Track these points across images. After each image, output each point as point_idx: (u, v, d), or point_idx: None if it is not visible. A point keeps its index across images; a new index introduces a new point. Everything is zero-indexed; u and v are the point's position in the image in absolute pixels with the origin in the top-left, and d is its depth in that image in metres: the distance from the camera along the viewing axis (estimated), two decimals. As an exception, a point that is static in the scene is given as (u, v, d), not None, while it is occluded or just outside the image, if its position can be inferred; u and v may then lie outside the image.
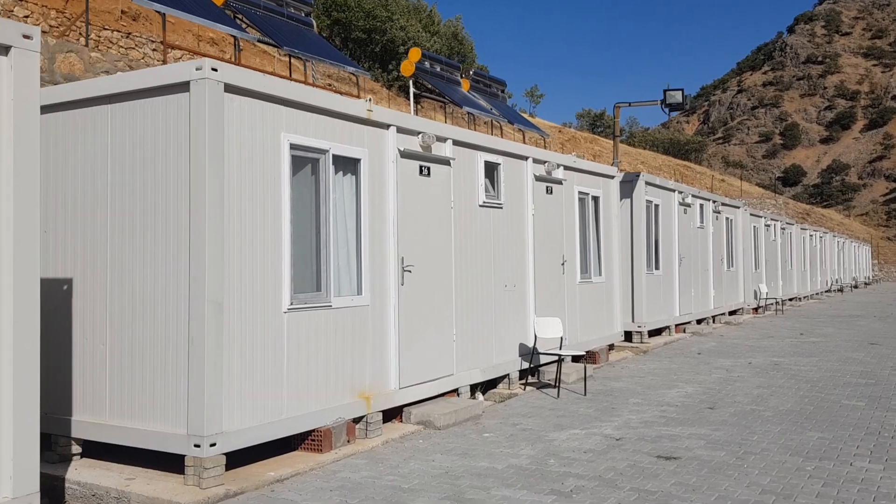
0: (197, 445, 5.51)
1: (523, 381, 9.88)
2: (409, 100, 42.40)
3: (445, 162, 8.48)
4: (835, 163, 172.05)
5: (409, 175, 7.88)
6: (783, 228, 27.44)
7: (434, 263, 8.21)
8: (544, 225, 10.68)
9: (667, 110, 13.61)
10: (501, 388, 9.62)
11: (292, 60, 21.55)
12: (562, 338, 9.99)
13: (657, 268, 15.29)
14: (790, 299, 28.74)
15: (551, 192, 10.90)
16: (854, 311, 24.48)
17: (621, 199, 14.38)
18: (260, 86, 6.08)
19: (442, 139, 8.45)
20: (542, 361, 10.36)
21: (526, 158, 10.28)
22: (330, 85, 41.32)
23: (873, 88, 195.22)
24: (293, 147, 6.43)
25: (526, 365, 9.90)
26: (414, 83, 25.08)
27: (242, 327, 5.88)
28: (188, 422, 5.59)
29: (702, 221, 18.12)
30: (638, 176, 14.40)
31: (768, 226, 24.94)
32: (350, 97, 7.78)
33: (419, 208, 8.01)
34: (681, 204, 16.58)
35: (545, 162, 10.74)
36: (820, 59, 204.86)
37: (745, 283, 22.29)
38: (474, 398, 9.03)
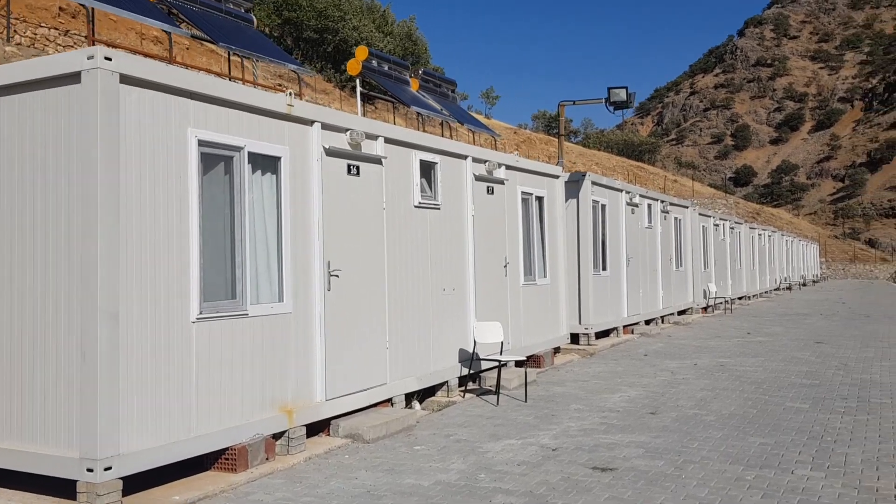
0: (90, 470, 5.03)
1: (463, 389, 9.52)
2: (360, 99, 41.86)
3: (377, 161, 8.09)
4: (784, 163, 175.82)
5: (336, 174, 7.47)
6: (732, 228, 27.60)
7: (364, 267, 7.81)
8: (485, 226, 10.35)
9: (611, 108, 13.40)
10: (440, 396, 9.25)
11: (243, 61, 20.98)
12: (502, 342, 9.66)
13: (604, 268, 15.09)
14: (739, 298, 28.93)
15: (492, 193, 10.58)
16: (801, 310, 24.69)
17: (567, 200, 14.14)
18: (162, 77, 5.61)
19: (372, 137, 8.05)
20: (483, 367, 10.02)
21: (465, 157, 9.93)
22: (280, 85, 40.63)
23: (820, 91, 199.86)
24: (202, 143, 5.98)
25: (466, 371, 9.55)
26: (363, 83, 24.64)
27: (142, 339, 5.41)
28: (80, 444, 5.10)
29: (650, 221, 18.00)
30: (584, 175, 14.17)
31: (717, 225, 25.03)
32: (277, 92, 7.36)
33: (348, 209, 7.61)
34: (628, 204, 16.42)
35: (486, 161, 10.41)
36: (769, 61, 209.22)
37: (694, 282, 22.29)
38: (410, 407, 8.65)
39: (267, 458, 6.35)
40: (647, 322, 17.89)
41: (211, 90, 6.05)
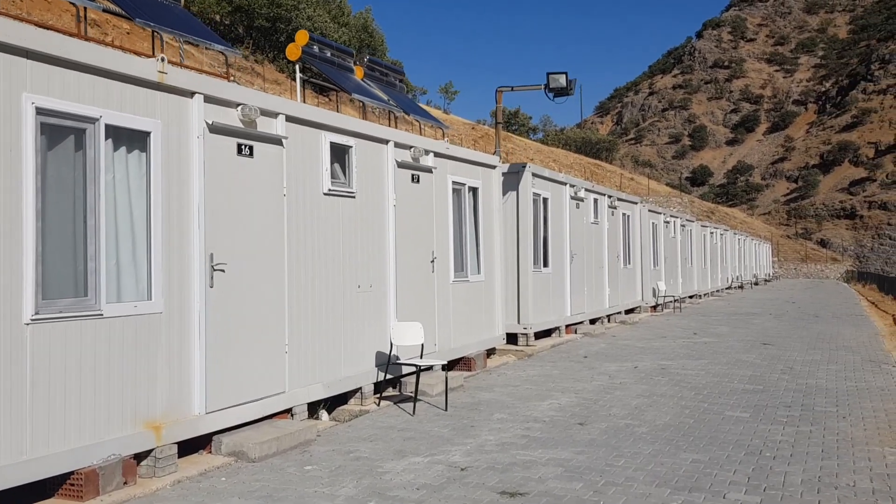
0: None
1: (379, 395, 8.69)
2: (314, 90, 40.80)
3: (276, 141, 7.21)
4: (739, 164, 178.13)
5: (223, 155, 6.58)
6: (683, 225, 27.20)
7: (258, 261, 6.93)
8: (410, 218, 9.53)
9: (551, 95, 12.68)
10: (353, 404, 8.42)
11: (182, 46, 19.81)
12: (423, 345, 8.85)
13: (546, 265, 14.38)
14: (690, 297, 28.58)
15: (418, 181, 9.76)
16: (751, 309, 24.35)
17: (506, 192, 13.40)
18: (-15, 30, 4.68)
19: (270, 114, 7.17)
20: (403, 372, 9.21)
21: (386, 142, 9.10)
22: (227, 73, 39.27)
23: (775, 93, 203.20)
24: (42, 112, 5.05)
25: (383, 376, 8.72)
26: (303, 69, 23.59)
27: (-49, 345, 4.48)
28: None
29: (596, 217, 17.36)
30: (524, 167, 13.43)
31: (668, 223, 24.57)
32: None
33: (238, 195, 6.72)
34: (573, 198, 15.74)
35: (410, 147, 9.59)
36: (726, 63, 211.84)
37: (643, 280, 21.77)
38: (316, 418, 7.80)
39: (125, 483, 5.45)
40: (593, 321, 17.26)
41: (57, 50, 5.13)
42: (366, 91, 24.43)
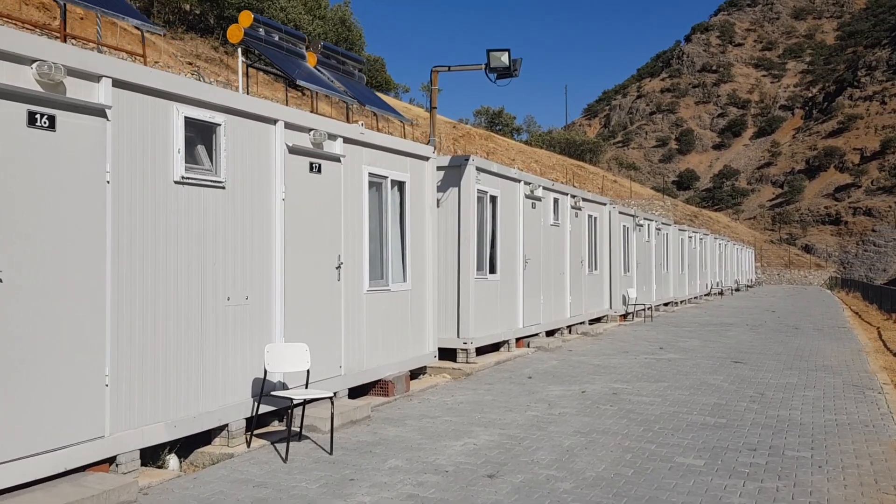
0: None
1: (249, 434, 7.06)
2: (273, 78, 38.90)
3: (96, 112, 5.60)
4: (726, 168, 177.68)
5: (5, 129, 4.97)
6: (658, 229, 25.73)
7: (60, 268, 5.32)
8: (307, 215, 7.94)
9: (493, 77, 11.13)
10: (218, 445, 6.81)
11: (99, 20, 18.18)
12: (308, 371, 7.24)
13: (493, 271, 12.81)
14: (665, 304, 27.12)
15: (319, 171, 8.16)
16: (727, 319, 22.89)
17: (446, 189, 11.83)
18: None
19: (88, 76, 5.56)
20: (280, 405, 7.59)
21: (274, 122, 7.50)
22: (192, 64, 37.60)
23: (763, 98, 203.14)
24: None
25: (256, 410, 7.10)
26: (249, 54, 21.97)
27: None
28: None
29: (557, 218, 15.82)
30: (467, 160, 11.86)
31: (640, 225, 23.07)
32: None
33: (28, 181, 5.11)
34: (528, 197, 14.18)
35: (310, 129, 7.99)
36: (714, 67, 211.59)
37: (612, 287, 20.26)
38: (160, 466, 6.19)
39: None
40: (551, 333, 15.72)
41: None
42: (316, 79, 22.57)
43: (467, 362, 11.71)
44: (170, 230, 6.25)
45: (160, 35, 24.32)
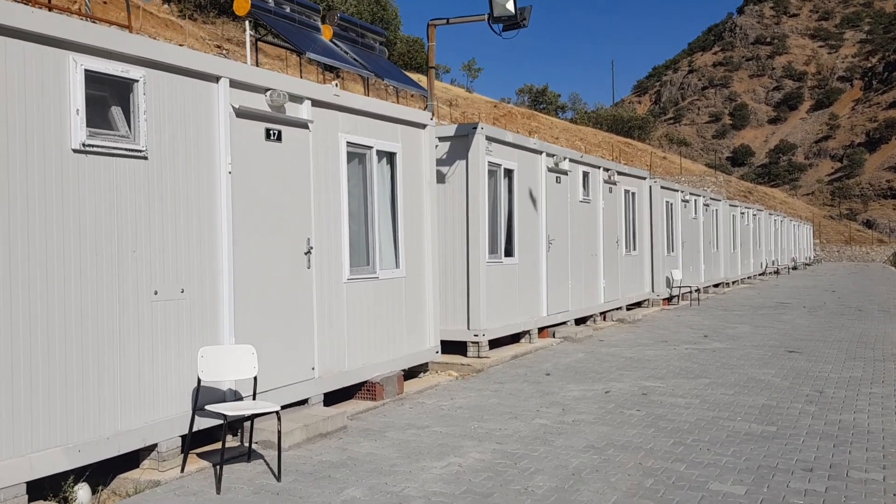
0: None
1: (186, 454, 5.85)
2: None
3: (-54, 62, 4.41)
4: (782, 143, 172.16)
5: None
6: (706, 205, 23.93)
7: None
8: (262, 192, 6.71)
9: (498, 29, 9.71)
10: (147, 469, 5.64)
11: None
12: (255, 378, 6.01)
13: (509, 254, 11.44)
14: (716, 286, 25.34)
15: (279, 139, 6.91)
16: (783, 300, 21.08)
17: (452, 162, 10.50)
18: None
19: (-68, 16, 4.37)
20: (214, 421, 6.39)
21: (216, 79, 6.27)
22: (220, 47, 36.80)
23: (819, 69, 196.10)
24: None
25: (190, 428, 5.89)
26: (258, 27, 20.83)
27: None
28: None
29: (587, 194, 14.33)
30: (474, 128, 10.49)
31: (686, 201, 21.36)
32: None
33: None
34: (551, 170, 12.74)
35: (267, 90, 6.74)
36: (768, 39, 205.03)
37: (654, 269, 18.68)
38: (63, 499, 5.04)
39: None
40: (582, 321, 14.29)
41: None
42: (331, 52, 21.26)
43: (479, 357, 10.40)
44: (68, 210, 5.06)
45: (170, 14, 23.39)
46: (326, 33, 22.27)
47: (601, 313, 15.08)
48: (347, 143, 7.81)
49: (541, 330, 12.49)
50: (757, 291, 25.18)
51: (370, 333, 8.08)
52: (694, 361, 10.57)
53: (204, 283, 6.09)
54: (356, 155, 8.04)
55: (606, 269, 15.19)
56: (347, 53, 20.99)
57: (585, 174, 14.27)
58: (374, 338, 8.15)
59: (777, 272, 36.94)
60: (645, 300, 18.15)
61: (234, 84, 6.40)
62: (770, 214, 37.67)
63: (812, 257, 57.60)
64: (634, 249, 17.23)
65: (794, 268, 44.41)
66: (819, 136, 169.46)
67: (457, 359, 10.28)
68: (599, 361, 10.62)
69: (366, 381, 7.97)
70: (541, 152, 12.43)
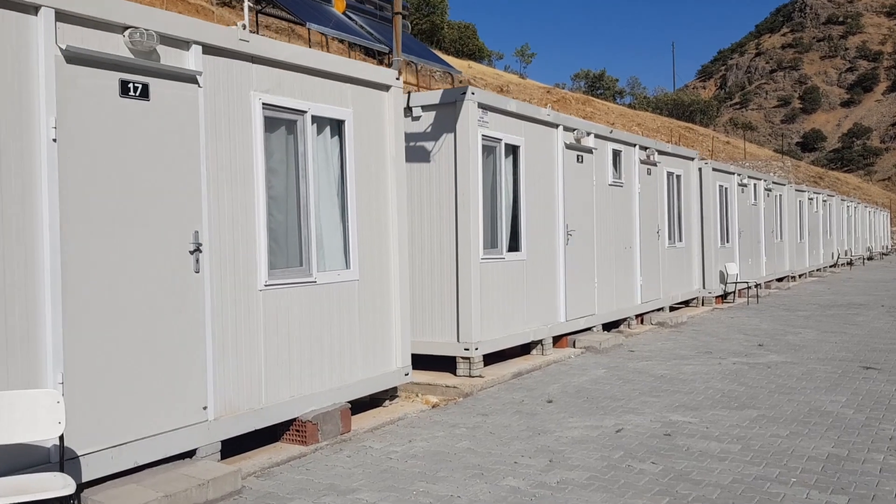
0: None
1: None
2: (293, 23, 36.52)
3: None
4: (856, 126, 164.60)
5: None
6: (769, 189, 21.35)
7: None
8: (118, 167, 4.89)
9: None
10: None
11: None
12: (62, 438, 4.18)
13: (514, 248, 9.43)
14: (779, 279, 22.74)
15: (143, 96, 5.06)
16: (857, 297, 18.46)
17: (439, 135, 8.55)
18: None
19: None
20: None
21: (34, 9, 4.45)
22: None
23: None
24: None
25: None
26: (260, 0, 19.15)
27: None
28: None
29: (618, 175, 12.18)
30: (463, 93, 8.50)
31: (744, 185, 18.89)
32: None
33: None
34: (571, 147, 10.65)
35: (126, 28, 4.90)
36: (841, 19, 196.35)
37: (704, 262, 16.37)
38: None
39: None
40: (612, 325, 12.18)
41: None
42: (343, 25, 19.30)
43: (470, 376, 8.43)
44: None
45: None
46: (339, 5, 20.14)
47: (637, 316, 12.92)
48: (265, 105, 5.93)
49: (558, 338, 10.45)
50: (827, 286, 22.48)
51: (303, 356, 6.21)
52: (741, 382, 8.40)
53: (9, 299, 4.30)
54: (281, 122, 6.16)
55: (644, 264, 13.01)
56: (362, 27, 18.79)
57: (616, 153, 12.11)
58: (310, 361, 6.28)
59: (850, 263, 33.81)
60: (693, 299, 15.86)
61: (65, 17, 4.58)
62: (842, 200, 34.52)
63: (889, 246, 53.58)
64: (680, 240, 14.97)
65: (870, 258, 40.98)
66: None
67: (444, 378, 8.35)
68: (622, 381, 8.53)
69: (295, 419, 6.11)
70: (556, 125, 10.36)
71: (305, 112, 6.31)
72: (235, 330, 5.64)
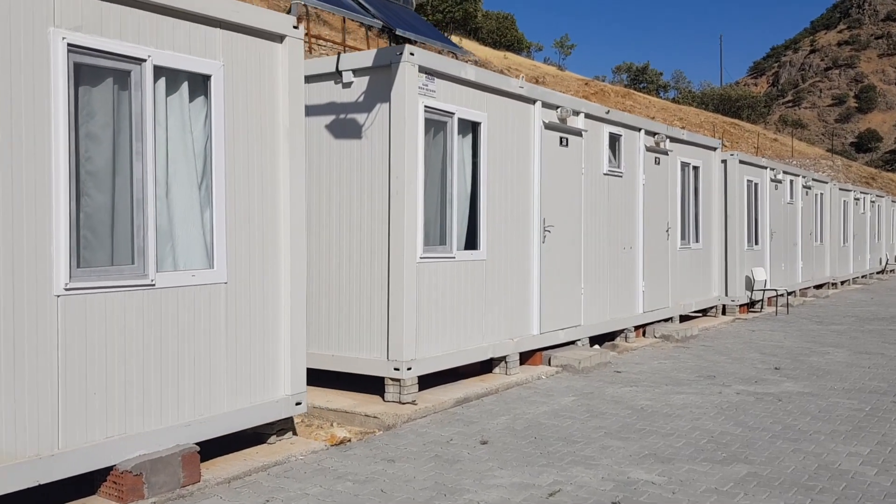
0: None
1: None
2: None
3: None
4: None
5: None
6: (808, 187, 19.31)
7: None
8: None
9: None
10: None
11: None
12: None
13: (471, 246, 7.83)
14: (818, 286, 20.68)
15: None
16: (904, 309, 16.40)
17: (371, 105, 7.02)
18: None
19: None
20: None
21: None
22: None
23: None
24: None
25: None
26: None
27: None
28: None
29: (616, 164, 10.47)
30: (400, 53, 6.92)
31: (777, 181, 16.92)
32: None
33: None
34: (551, 128, 8.98)
35: None
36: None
37: (730, 266, 14.54)
38: None
39: None
40: (607, 338, 10.49)
41: None
42: (341, 1, 17.58)
43: (400, 401, 6.85)
44: None
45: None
46: (335, -23, 18.29)
47: (638, 327, 11.20)
48: (73, 47, 4.43)
49: (531, 354, 8.81)
50: (870, 295, 20.34)
51: (130, 382, 4.71)
52: (739, 421, 6.68)
53: None
54: (105, 72, 4.65)
55: (648, 267, 11.27)
56: (364, 4, 17.01)
57: (615, 137, 10.40)
58: (143, 389, 4.78)
59: (901, 270, 31.30)
60: (712, 307, 14.04)
61: None
62: (893, 202, 32.00)
63: (946, 252, 50.31)
64: (697, 241, 13.16)
65: (923, 264, 38.19)
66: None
67: (369, 403, 6.81)
68: (589, 415, 6.87)
69: (112, 468, 4.61)
70: (533, 101, 8.69)
71: (144, 60, 4.79)
72: (13, 349, 4.16)
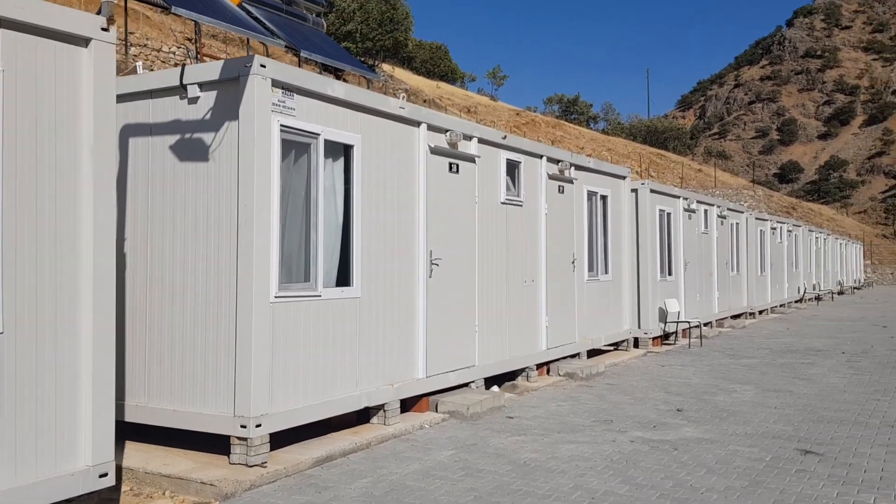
0: None
1: None
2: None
3: None
4: (833, 159, 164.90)
5: None
6: (723, 216, 19.15)
7: None
8: None
9: None
10: None
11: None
12: None
13: (343, 283, 7.02)
14: (735, 316, 20.50)
15: None
16: (816, 340, 16.20)
17: (221, 123, 6.22)
18: None
19: None
20: None
21: None
22: (190, 40, 33.14)
23: (873, 83, 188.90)
24: None
25: None
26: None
27: None
28: None
29: (516, 193, 9.85)
30: (249, 65, 6.13)
31: (692, 211, 16.65)
32: None
33: None
34: (439, 153, 8.29)
35: None
36: (819, 53, 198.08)
37: (642, 298, 14.07)
38: None
39: None
40: (507, 377, 9.78)
41: None
42: (234, 18, 16.62)
43: (247, 464, 5.96)
44: None
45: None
46: (234, -3, 17.39)
47: (541, 365, 10.53)
48: None
49: (416, 400, 8.02)
50: (786, 325, 20.25)
51: None
52: (627, 477, 5.99)
53: None
54: None
55: (552, 301, 10.64)
56: (258, 21, 16.00)
57: (513, 164, 9.78)
58: None
59: (818, 298, 31.74)
60: (623, 341, 13.52)
61: None
62: (810, 231, 32.50)
63: (862, 280, 51.78)
64: (606, 273, 12.63)
65: (840, 292, 39.01)
66: (872, 151, 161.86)
67: (212, 466, 5.90)
68: (463, 473, 6.09)
69: None
70: (417, 123, 8.00)
71: None
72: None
